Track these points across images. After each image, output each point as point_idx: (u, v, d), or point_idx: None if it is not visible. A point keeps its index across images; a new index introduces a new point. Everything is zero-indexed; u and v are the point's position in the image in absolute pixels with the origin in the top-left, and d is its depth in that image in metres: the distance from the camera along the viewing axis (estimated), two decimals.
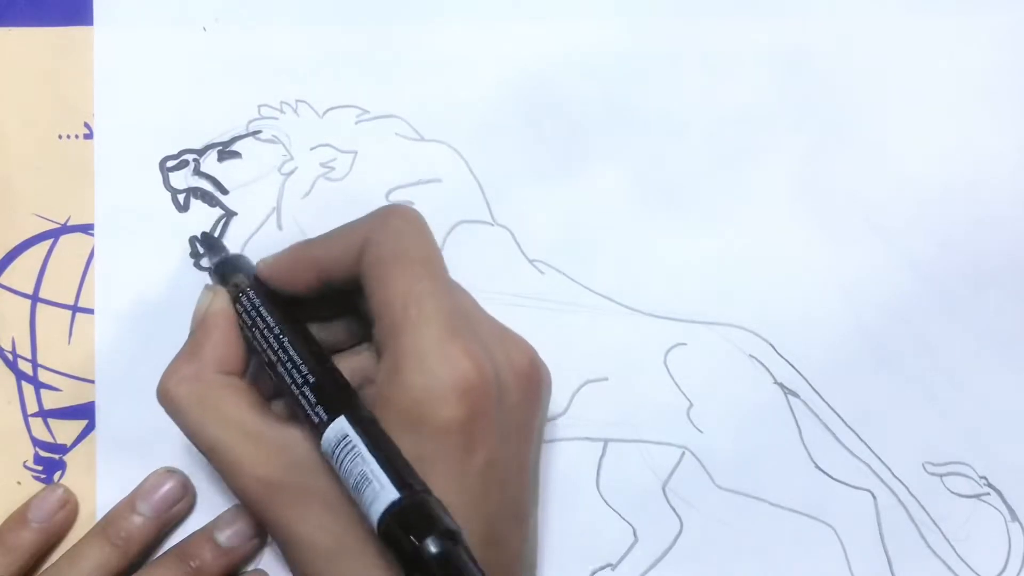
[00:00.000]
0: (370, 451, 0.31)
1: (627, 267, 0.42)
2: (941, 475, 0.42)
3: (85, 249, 0.42)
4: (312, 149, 0.42)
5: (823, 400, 0.42)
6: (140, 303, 0.42)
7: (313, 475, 0.33)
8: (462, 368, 0.32)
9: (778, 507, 0.41)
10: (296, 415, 0.34)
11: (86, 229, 0.42)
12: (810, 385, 0.42)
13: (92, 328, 0.42)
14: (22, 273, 0.42)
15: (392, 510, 0.29)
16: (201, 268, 0.42)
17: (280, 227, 0.42)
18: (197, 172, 0.42)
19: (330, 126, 0.42)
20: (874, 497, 0.42)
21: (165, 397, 0.35)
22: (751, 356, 0.42)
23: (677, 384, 0.42)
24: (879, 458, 0.42)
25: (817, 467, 0.42)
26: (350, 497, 0.31)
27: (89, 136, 0.42)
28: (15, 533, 0.40)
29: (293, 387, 0.34)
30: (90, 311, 0.42)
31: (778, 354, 0.42)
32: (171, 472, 0.41)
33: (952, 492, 0.42)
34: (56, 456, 0.41)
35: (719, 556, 0.41)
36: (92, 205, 0.42)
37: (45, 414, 0.41)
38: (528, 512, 0.35)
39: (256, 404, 0.35)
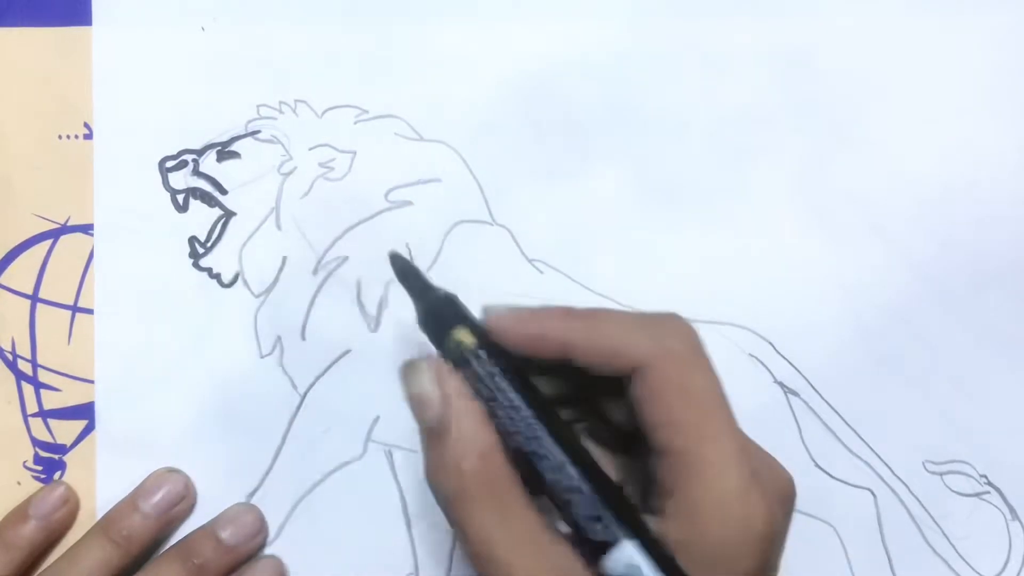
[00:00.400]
0: None
1: (627, 267, 0.42)
2: (941, 474, 0.42)
3: (85, 249, 0.42)
4: (311, 149, 0.42)
5: (823, 400, 0.42)
6: (140, 303, 0.42)
7: None
8: (763, 519, 0.30)
9: None
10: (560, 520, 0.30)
11: (86, 229, 0.42)
12: (810, 385, 0.42)
13: (92, 328, 0.42)
14: (22, 273, 0.42)
15: None
16: (200, 268, 0.42)
17: (279, 227, 0.42)
18: (196, 172, 0.42)
19: (329, 126, 0.42)
20: (874, 496, 0.42)
21: (453, 488, 0.30)
22: (751, 356, 0.42)
23: None
24: (879, 457, 0.42)
25: (817, 466, 0.42)
26: None
27: (89, 136, 0.42)
28: (16, 530, 0.40)
29: (562, 491, 0.30)
30: (90, 311, 0.42)
31: (778, 354, 0.42)
32: (172, 472, 0.41)
33: (952, 491, 0.42)
34: (56, 456, 0.41)
35: None
36: (92, 205, 0.42)
37: (45, 414, 0.41)
38: None
39: (535, 508, 0.31)
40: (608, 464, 0.34)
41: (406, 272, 0.34)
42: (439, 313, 0.32)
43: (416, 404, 0.31)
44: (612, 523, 0.29)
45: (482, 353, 0.31)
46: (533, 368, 0.32)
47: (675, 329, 0.32)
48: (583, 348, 0.31)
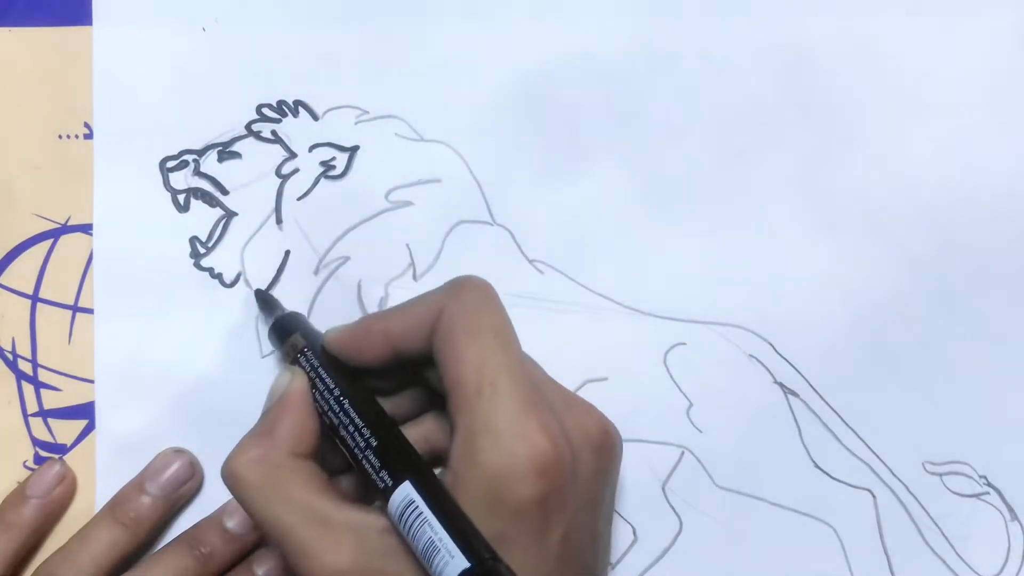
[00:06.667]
0: (437, 518, 0.30)
1: (627, 267, 0.42)
2: (941, 474, 0.42)
3: (85, 249, 0.42)
4: (312, 149, 0.42)
5: (823, 400, 0.42)
6: (140, 303, 0.42)
7: (384, 559, 0.31)
8: (539, 446, 0.31)
9: (778, 507, 0.41)
10: (362, 484, 0.33)
11: (86, 229, 0.42)
12: (810, 385, 0.42)
13: (92, 328, 0.42)
14: (22, 273, 0.42)
15: None
16: (202, 268, 0.42)
17: (280, 227, 0.42)
18: (197, 172, 0.42)
19: (330, 126, 0.42)
20: (874, 496, 0.42)
21: (232, 478, 0.33)
22: (751, 356, 0.42)
23: (677, 384, 0.42)
24: (879, 458, 0.42)
25: (817, 467, 0.42)
26: None
27: (89, 136, 0.42)
28: (15, 511, 0.40)
29: (356, 451, 0.33)
30: (90, 311, 0.42)
31: (778, 354, 0.42)
32: (179, 452, 0.41)
33: (952, 491, 0.42)
34: (56, 456, 0.41)
35: (719, 556, 0.41)
36: (92, 205, 0.42)
37: (45, 414, 0.42)
38: None
39: (325, 487, 0.33)
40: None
41: (264, 299, 0.41)
42: (281, 324, 0.38)
43: (268, 396, 0.35)
44: (392, 469, 0.32)
45: (307, 351, 0.36)
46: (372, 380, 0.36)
47: (468, 283, 0.34)
48: (398, 327, 0.34)
